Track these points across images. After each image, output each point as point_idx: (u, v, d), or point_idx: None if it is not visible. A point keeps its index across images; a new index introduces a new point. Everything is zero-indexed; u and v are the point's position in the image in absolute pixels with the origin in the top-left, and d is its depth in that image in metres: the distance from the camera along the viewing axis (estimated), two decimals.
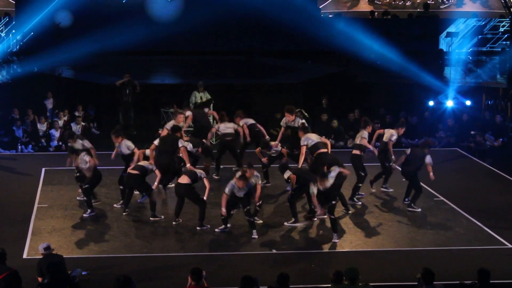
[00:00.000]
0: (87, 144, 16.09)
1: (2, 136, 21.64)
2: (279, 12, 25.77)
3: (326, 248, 14.07)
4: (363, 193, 16.83)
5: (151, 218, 15.34)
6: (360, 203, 16.47)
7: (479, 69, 27.30)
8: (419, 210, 16.06)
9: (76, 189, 16.65)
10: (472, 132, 22.12)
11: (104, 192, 16.40)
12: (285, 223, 15.13)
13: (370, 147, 16.79)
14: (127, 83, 22.88)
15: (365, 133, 16.74)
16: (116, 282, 10.08)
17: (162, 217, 15.40)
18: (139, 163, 15.57)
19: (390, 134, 16.94)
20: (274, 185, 17.55)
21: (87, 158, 15.45)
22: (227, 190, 14.30)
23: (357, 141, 16.79)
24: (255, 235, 14.37)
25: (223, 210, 14.33)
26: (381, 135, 17.23)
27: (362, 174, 16.51)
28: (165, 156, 16.01)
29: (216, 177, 18.12)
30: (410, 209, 16.08)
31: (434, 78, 24.79)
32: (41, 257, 11.59)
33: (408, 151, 16.34)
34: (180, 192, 14.96)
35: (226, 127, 18.31)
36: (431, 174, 16.03)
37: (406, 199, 16.44)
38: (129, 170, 15.48)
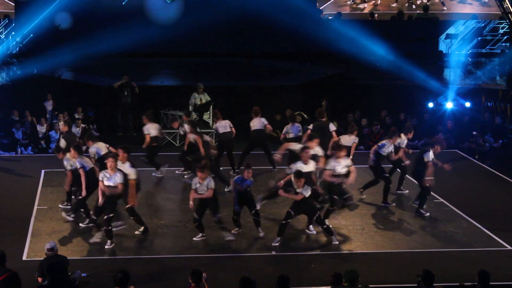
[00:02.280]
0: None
1: (1, 138, 21.62)
2: (279, 14, 25.78)
3: (325, 250, 14.06)
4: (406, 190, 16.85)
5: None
6: (394, 204, 16.45)
7: (479, 70, 27.30)
8: (428, 214, 15.88)
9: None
10: (474, 133, 22.12)
11: None
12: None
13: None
14: (125, 84, 22.88)
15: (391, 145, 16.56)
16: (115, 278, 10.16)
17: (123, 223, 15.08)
18: None
19: (402, 140, 16.80)
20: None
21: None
22: (193, 185, 13.96)
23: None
24: (261, 233, 14.39)
25: (191, 203, 13.92)
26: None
27: (387, 174, 16.48)
28: None
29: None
30: (418, 214, 15.90)
31: (433, 79, 24.78)
32: (44, 257, 11.59)
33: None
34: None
35: (222, 126, 18.33)
36: (430, 173, 15.90)
37: (415, 202, 16.37)
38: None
